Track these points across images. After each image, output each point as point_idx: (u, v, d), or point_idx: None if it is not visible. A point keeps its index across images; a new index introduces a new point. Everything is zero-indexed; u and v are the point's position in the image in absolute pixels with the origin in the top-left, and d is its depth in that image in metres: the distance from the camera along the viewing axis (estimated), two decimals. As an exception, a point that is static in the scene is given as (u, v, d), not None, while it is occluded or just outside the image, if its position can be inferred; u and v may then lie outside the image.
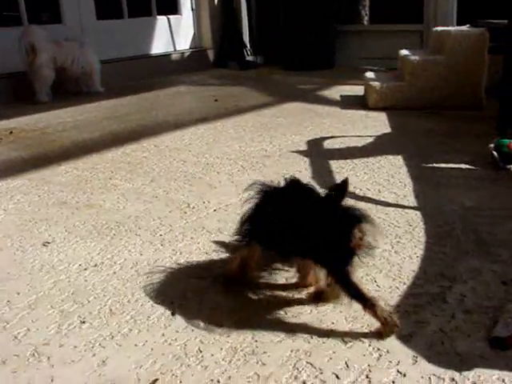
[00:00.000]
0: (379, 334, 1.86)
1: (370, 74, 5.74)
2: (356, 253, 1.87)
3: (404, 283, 2.17)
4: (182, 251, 2.47)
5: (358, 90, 6.14)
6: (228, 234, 2.61)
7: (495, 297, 2.07)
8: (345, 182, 1.95)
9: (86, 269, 2.34)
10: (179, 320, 1.96)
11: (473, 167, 3.53)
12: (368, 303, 1.85)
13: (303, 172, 3.48)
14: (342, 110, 5.31)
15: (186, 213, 2.88)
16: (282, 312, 2.00)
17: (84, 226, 2.77)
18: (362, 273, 2.23)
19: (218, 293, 2.13)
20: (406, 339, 1.83)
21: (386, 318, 1.84)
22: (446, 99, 5.07)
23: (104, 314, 2.02)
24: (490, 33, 4.88)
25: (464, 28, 5.19)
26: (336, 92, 6.24)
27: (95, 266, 2.37)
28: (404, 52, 5.53)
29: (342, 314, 1.98)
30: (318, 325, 1.93)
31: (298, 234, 1.91)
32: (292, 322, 1.95)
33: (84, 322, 1.97)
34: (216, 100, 5.88)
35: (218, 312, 2.00)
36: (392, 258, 2.36)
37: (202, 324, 1.94)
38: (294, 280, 2.21)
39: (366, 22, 9.23)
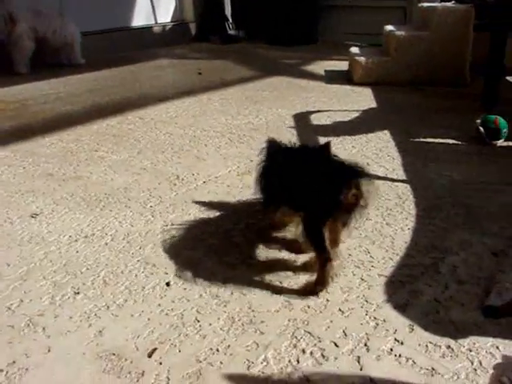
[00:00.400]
0: (309, 288, 1.93)
1: (354, 50, 5.72)
2: (343, 207, 1.91)
3: (397, 254, 2.18)
4: (174, 222, 2.45)
5: (342, 65, 6.11)
6: (219, 205, 2.59)
7: (487, 267, 2.09)
8: (327, 145, 2.15)
9: (76, 240, 2.32)
10: (175, 290, 1.95)
11: (459, 142, 3.55)
12: (325, 256, 1.91)
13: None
14: (327, 85, 5.29)
15: (175, 184, 2.86)
16: (277, 282, 2.00)
17: (72, 197, 2.73)
18: (355, 244, 2.24)
19: (213, 263, 2.12)
20: (401, 309, 1.85)
21: (326, 278, 1.92)
22: (431, 75, 5.08)
23: (98, 284, 2.00)
24: (476, 9, 4.87)
25: (449, 4, 5.18)
26: (320, 67, 6.21)
27: (86, 237, 2.34)
28: (389, 27, 5.52)
29: (337, 284, 1.98)
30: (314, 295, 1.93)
31: (293, 188, 2.02)
32: (288, 293, 1.94)
33: (78, 293, 1.95)
34: (200, 73, 5.82)
35: (213, 282, 1.99)
36: (384, 229, 2.37)
37: (197, 294, 1.92)
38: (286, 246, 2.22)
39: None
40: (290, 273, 2.06)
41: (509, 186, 2.83)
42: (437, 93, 4.90)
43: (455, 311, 1.83)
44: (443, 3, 5.27)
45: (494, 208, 2.57)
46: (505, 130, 3.51)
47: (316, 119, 4.08)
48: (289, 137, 3.61)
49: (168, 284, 1.98)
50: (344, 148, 3.41)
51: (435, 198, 2.69)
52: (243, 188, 2.79)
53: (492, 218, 2.48)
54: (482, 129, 3.51)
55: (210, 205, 2.61)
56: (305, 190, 1.95)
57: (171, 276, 2.04)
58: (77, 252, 2.22)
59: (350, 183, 1.87)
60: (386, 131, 3.74)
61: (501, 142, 3.52)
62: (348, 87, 5.17)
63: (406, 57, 5.07)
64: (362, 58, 5.18)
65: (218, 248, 2.23)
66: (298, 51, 7.29)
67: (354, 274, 2.04)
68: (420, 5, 5.53)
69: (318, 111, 4.31)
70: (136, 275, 2.04)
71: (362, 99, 4.71)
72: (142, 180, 2.92)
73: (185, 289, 1.96)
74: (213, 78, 5.58)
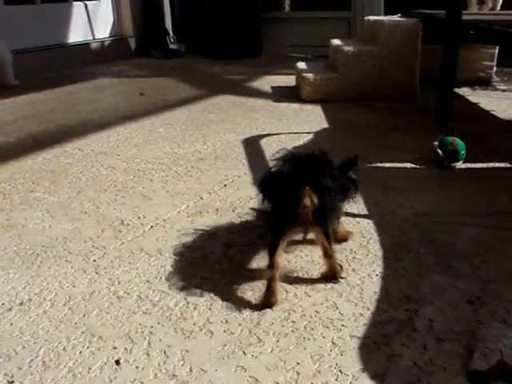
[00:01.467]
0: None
1: (301, 65, 5.58)
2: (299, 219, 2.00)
3: (367, 308, 2.00)
4: (120, 280, 2.20)
5: (289, 80, 5.97)
6: (170, 256, 2.36)
7: (464, 319, 1.94)
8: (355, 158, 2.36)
9: (10, 309, 2.04)
10: (126, 370, 1.72)
11: (418, 166, 3.43)
12: (270, 265, 2.03)
13: (243, 177, 3.26)
14: (275, 103, 5.12)
15: (120, 231, 2.61)
16: (240, 353, 1.79)
17: (5, 252, 2.45)
18: (321, 298, 2.05)
19: (168, 332, 1.89)
20: (380, 379, 1.67)
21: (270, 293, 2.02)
22: (381, 91, 4.99)
23: (37, 368, 1.74)
24: (423, 23, 4.80)
25: (396, 18, 5.09)
26: (266, 83, 6.04)
27: (21, 304, 2.07)
28: (336, 42, 5.40)
29: (306, 351, 1.78)
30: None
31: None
32: (254, 367, 1.73)
33: (12, 382, 1.68)
34: (142, 94, 5.55)
35: (169, 357, 1.76)
36: (350, 277, 2.20)
37: (152, 374, 1.69)
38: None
39: (287, 8, 9.02)
40: (253, 339, 1.85)
41: (473, 218, 2.71)
42: (387, 109, 4.80)
43: (438, 378, 1.66)
44: (390, 17, 5.18)
45: (463, 245, 2.43)
46: (463, 152, 3.41)
47: (266, 144, 3.89)
48: (239, 167, 3.41)
49: (118, 362, 1.74)
50: (299, 178, 3.22)
51: (400, 234, 2.54)
52: (195, 233, 2.56)
53: (463, 257, 2.34)
54: (440, 151, 3.40)
55: (159, 255, 2.37)
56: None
57: (121, 351, 1.80)
58: (11, 324, 1.96)
59: (301, 194, 1.92)
60: (339, 155, 3.56)
61: (459, 165, 3.42)
62: (296, 105, 5.02)
63: (355, 72, 4.96)
64: (310, 75, 5.03)
65: (173, 311, 1.99)
66: (241, 65, 7.12)
67: (323, 337, 1.85)
68: (366, 18, 5.43)
69: (268, 135, 4.13)
70: (80, 352, 1.79)
71: (313, 119, 4.56)
72: (84, 227, 2.65)
73: (137, 367, 1.72)
74: (155, 99, 5.33)
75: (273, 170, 2.16)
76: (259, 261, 2.31)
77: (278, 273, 2.03)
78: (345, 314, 1.97)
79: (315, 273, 2.24)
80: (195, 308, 2.02)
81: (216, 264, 2.30)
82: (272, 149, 3.75)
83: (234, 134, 4.16)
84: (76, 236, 2.58)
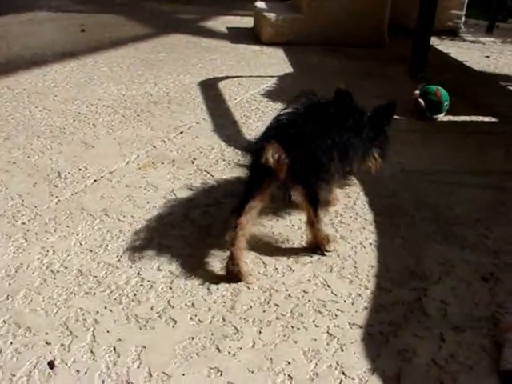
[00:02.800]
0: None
1: (260, 4, 5.07)
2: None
3: (365, 287, 1.63)
4: (56, 249, 1.75)
5: (246, 21, 5.47)
6: (117, 218, 1.91)
7: (481, 301, 1.61)
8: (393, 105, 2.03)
9: None
10: (62, 376, 1.28)
11: (398, 117, 3.04)
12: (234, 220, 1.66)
13: (202, 123, 2.81)
14: (233, 45, 4.63)
15: (56, 186, 2.13)
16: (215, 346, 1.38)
17: None
18: (308, 272, 1.67)
19: (118, 320, 1.46)
20: (394, 383, 1.29)
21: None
22: (348, 35, 4.58)
23: None
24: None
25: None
26: (221, 23, 5.52)
27: None
28: (300, -20, 4.89)
29: (297, 346, 1.40)
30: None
31: None
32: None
33: None
34: (83, 30, 4.93)
35: (121, 359, 1.34)
36: (340, 247, 1.82)
37: (98, 381, 1.27)
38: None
39: None
40: (228, 328, 1.45)
41: (468, 176, 2.38)
42: (356, 55, 4.40)
43: (464, 380, 1.31)
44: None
45: (462, 208, 2.10)
46: (446, 103, 3.06)
47: (226, 88, 3.43)
48: (197, 112, 2.94)
49: (51, 365, 1.30)
50: (265, 125, 2.79)
51: (390, 195, 2.17)
52: (147, 188, 2.12)
53: (464, 223, 2.00)
54: (422, 102, 3.02)
55: (105, 216, 1.92)
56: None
57: (56, 348, 1.36)
58: None
59: (264, 148, 1.59)
60: (311, 104, 3.15)
61: (441, 117, 3.06)
62: (256, 47, 4.54)
63: (321, 15, 4.52)
64: (272, 15, 4.55)
65: (124, 291, 1.56)
66: (194, 4, 6.52)
67: (316, 326, 1.47)
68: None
69: (227, 77, 3.66)
70: (1, 350, 1.34)
71: (275, 62, 4.11)
72: (11, 180, 2.17)
73: (77, 372, 1.29)
74: (99, 36, 4.72)
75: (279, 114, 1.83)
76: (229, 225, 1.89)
77: (244, 236, 1.64)
78: (339, 295, 1.60)
79: (297, 241, 1.84)
80: (151, 286, 1.60)
81: (175, 228, 1.88)
82: (233, 93, 3.31)
83: (189, 75, 3.67)
84: (1, 191, 2.09)
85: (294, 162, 1.62)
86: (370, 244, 1.85)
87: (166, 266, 1.68)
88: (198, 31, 5.11)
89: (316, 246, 1.76)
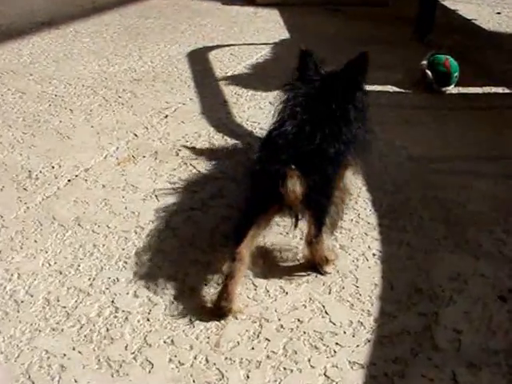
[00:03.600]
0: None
1: (255, -40, 4.71)
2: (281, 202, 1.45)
3: (368, 312, 1.44)
4: (22, 272, 1.57)
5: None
6: (91, 229, 1.71)
7: (499, 328, 1.41)
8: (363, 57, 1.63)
9: None
10: None
11: (403, 90, 2.81)
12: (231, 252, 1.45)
13: (189, 104, 2.59)
14: (225, 7, 4.34)
15: (26, 189, 1.93)
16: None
17: None
18: (302, 293, 1.48)
19: (88, 365, 1.28)
20: None
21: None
22: (349, -7, 4.25)
23: None
24: None
25: None
26: (213, -19, 5.17)
27: None
28: None
29: (294, 404, 1.22)
30: None
31: None
32: None
33: None
34: (64, -7, 4.60)
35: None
36: (340, 260, 1.61)
37: None
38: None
39: None
40: (212, 373, 1.27)
41: (481, 164, 2.17)
42: (356, 15, 4.12)
43: None
44: None
45: (476, 205, 1.90)
46: (456, 74, 2.81)
47: (216, 59, 3.19)
48: (184, 91, 2.71)
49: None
50: (258, 106, 2.58)
51: (396, 190, 1.97)
52: (126, 189, 1.91)
53: (479, 224, 1.81)
54: (429, 73, 2.78)
55: (77, 229, 1.73)
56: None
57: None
58: None
59: (286, 173, 1.37)
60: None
61: (451, 89, 2.82)
62: (250, 9, 4.25)
63: (319, -30, 4.18)
64: (267, -26, 4.22)
65: (96, 326, 1.37)
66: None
67: (312, 366, 1.29)
68: None
69: (218, 47, 3.39)
70: None
71: (270, 27, 3.83)
72: (-25, 182, 1.96)
73: None
74: (82, 0, 4.40)
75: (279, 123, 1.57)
76: (218, 236, 1.69)
77: (242, 269, 1.43)
78: (338, 324, 1.41)
79: (291, 252, 1.65)
80: (127, 318, 1.41)
81: (155, 240, 1.68)
82: (224, 65, 3.06)
83: (177, 45, 3.41)
84: (-37, 196, 1.89)
85: (310, 189, 1.40)
86: (374, 255, 1.65)
87: (143, 292, 1.49)
88: (188, -8, 4.78)
89: (313, 265, 1.56)
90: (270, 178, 1.40)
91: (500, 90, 2.88)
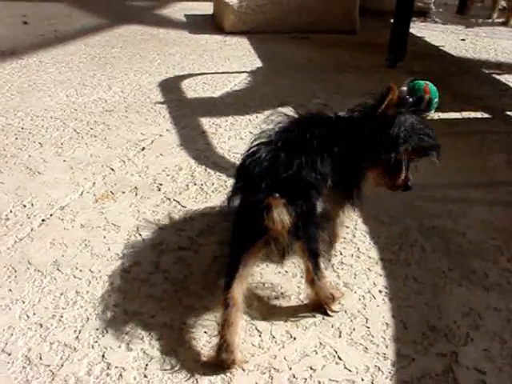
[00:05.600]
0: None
1: (221, -11, 4.67)
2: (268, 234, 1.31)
3: (384, 356, 1.33)
4: (-4, 324, 1.39)
5: (204, 7, 5.08)
6: (72, 274, 1.56)
7: (526, 369, 1.30)
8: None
9: None
10: None
11: (384, 118, 2.73)
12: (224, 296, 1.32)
13: (166, 136, 2.46)
14: (193, 35, 4.25)
15: (-4, 231, 1.76)
16: None
17: None
18: (311, 337, 1.36)
19: None
20: None
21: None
22: (317, 21, 4.25)
23: None
24: None
25: None
26: (179, 10, 5.13)
27: None
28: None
29: None
30: None
31: None
32: None
33: None
34: (25, 22, 4.47)
35: None
36: (347, 300, 1.50)
37: None
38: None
39: None
40: None
41: (473, 191, 2.12)
42: (326, 43, 4.09)
43: None
44: None
45: (475, 234, 1.83)
46: (436, 100, 2.74)
47: (189, 88, 3.08)
48: (159, 122, 2.59)
49: None
50: (239, 136, 2.47)
51: (393, 221, 1.88)
52: (107, 228, 1.77)
53: (482, 254, 1.74)
54: (410, 99, 2.70)
55: (56, 274, 1.57)
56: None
57: None
58: None
59: (271, 204, 1.25)
60: (289, 105, 2.82)
61: (431, 114, 2.75)
62: (219, 38, 4.18)
63: (287, 0, 4.15)
64: (234, 2, 4.19)
65: (83, 387, 1.22)
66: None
67: (333, 424, 1.15)
68: None
69: (190, 75, 3.29)
70: None
71: (241, 55, 3.75)
72: None
73: None
74: (44, 29, 4.27)
75: (253, 150, 1.42)
76: (213, 277, 1.57)
77: (238, 315, 1.31)
78: (354, 370, 1.29)
79: (293, 293, 1.53)
80: (121, 375, 1.26)
81: (145, 285, 1.54)
82: (198, 94, 2.95)
83: (147, 74, 3.29)
84: None
85: (297, 217, 1.29)
86: (380, 292, 1.55)
87: (137, 344, 1.34)
88: (154, 21, 4.70)
89: (319, 305, 1.45)
90: (251, 210, 1.28)
91: (479, 114, 2.85)
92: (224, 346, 1.27)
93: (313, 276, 1.40)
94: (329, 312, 1.45)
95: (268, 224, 1.25)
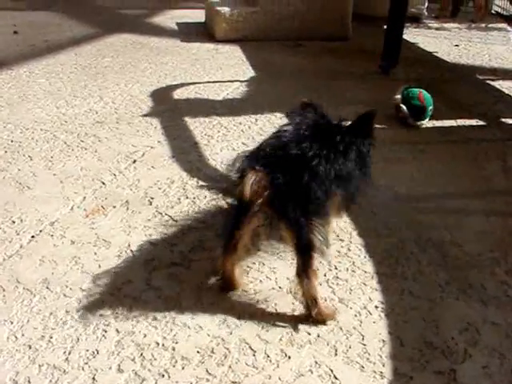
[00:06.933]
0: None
1: (212, -4, 4.66)
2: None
3: (381, 374, 1.31)
4: (-17, 347, 1.35)
5: (196, 15, 5.06)
6: (62, 292, 1.53)
7: (523, 384, 1.28)
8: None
9: None
10: None
11: (378, 125, 2.69)
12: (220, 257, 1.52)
13: (157, 148, 2.44)
14: (184, 44, 4.23)
15: (-16, 248, 1.73)
16: None
17: None
18: (308, 359, 1.32)
19: None
20: None
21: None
22: (309, 29, 4.23)
23: None
24: None
25: None
26: (170, 18, 5.10)
27: None
28: (255, -32, 4.51)
29: None
30: None
31: None
32: None
33: None
34: (15, 32, 4.43)
35: None
36: (342, 316, 1.47)
37: None
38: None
39: None
40: None
41: (469, 201, 2.11)
42: (319, 50, 4.08)
43: None
44: None
45: (472, 245, 1.82)
46: (430, 108, 2.76)
47: (181, 98, 3.06)
48: (151, 133, 2.56)
49: None
50: (231, 147, 2.45)
51: (388, 233, 1.86)
52: (98, 244, 1.73)
53: (479, 265, 1.72)
54: (404, 107, 2.71)
55: (46, 293, 1.54)
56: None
57: None
58: None
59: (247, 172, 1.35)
60: (278, 113, 2.81)
61: (426, 122, 2.76)
62: (211, 46, 4.16)
63: (279, 7, 4.19)
64: (226, 10, 4.17)
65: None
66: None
67: None
68: None
69: (182, 85, 3.27)
70: None
71: (233, 63, 3.73)
72: None
73: None
74: (35, 39, 4.23)
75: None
76: (206, 294, 1.54)
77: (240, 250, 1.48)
78: (350, 393, 1.25)
79: (288, 310, 1.50)
80: (111, 402, 1.22)
81: (137, 303, 1.51)
82: (190, 104, 2.92)
83: (138, 84, 3.26)
84: None
85: (277, 192, 1.35)
86: (376, 307, 1.52)
87: (128, 365, 1.31)
88: (146, 29, 4.68)
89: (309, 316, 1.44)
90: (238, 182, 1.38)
91: (474, 122, 2.84)
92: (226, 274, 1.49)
93: (300, 272, 1.39)
94: (324, 321, 1.42)
95: (239, 190, 1.34)
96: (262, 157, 1.42)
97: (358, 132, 1.59)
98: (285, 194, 1.36)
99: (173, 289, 1.57)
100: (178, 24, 4.85)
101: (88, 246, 1.76)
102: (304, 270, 1.40)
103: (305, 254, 1.40)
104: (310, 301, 1.42)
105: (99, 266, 1.66)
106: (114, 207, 1.97)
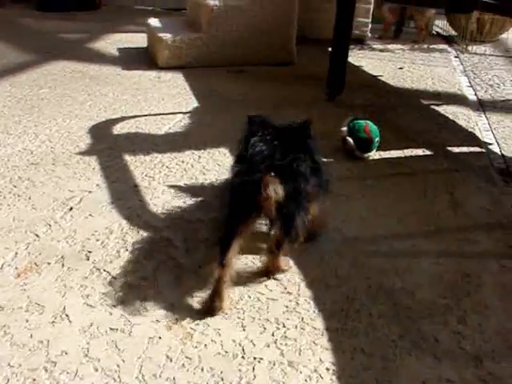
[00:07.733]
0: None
1: (154, 22, 4.56)
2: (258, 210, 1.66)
3: None
4: None
5: (138, 40, 4.96)
6: (-9, 371, 1.40)
7: None
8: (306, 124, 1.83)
9: None
10: None
11: (324, 159, 2.66)
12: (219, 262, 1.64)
13: (96, 192, 2.32)
14: (125, 72, 4.11)
15: None
16: None
17: None
18: None
19: None
20: None
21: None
22: (253, 54, 4.19)
23: None
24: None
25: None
26: (111, 43, 4.97)
27: None
28: (197, -6, 4.44)
29: None
30: None
31: None
32: None
33: None
34: None
35: None
36: (292, 382, 1.39)
37: None
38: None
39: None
40: None
41: (420, 241, 2.07)
42: (262, 76, 4.04)
43: None
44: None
45: (424, 292, 1.80)
46: (377, 139, 2.73)
47: (121, 134, 2.94)
48: (89, 175, 2.44)
49: None
50: (173, 189, 2.34)
51: (338, 282, 1.80)
52: (30, 310, 1.62)
53: (432, 315, 1.69)
54: (351, 140, 2.67)
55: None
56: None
57: None
58: None
59: (264, 181, 1.55)
60: (223, 148, 2.73)
61: (372, 154, 2.73)
62: (153, 74, 4.05)
63: (223, 33, 4.12)
64: (168, 36, 4.08)
65: None
66: (78, 20, 5.91)
67: None
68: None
69: (123, 119, 3.15)
70: None
71: (176, 93, 3.64)
72: None
73: None
74: (-36, 68, 4.04)
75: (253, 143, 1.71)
76: (149, 365, 1.43)
77: (229, 275, 1.62)
78: None
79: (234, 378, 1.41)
80: None
81: (72, 380, 1.39)
82: (130, 141, 2.81)
83: (77, 118, 3.13)
84: None
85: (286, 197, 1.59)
86: (327, 369, 1.45)
87: None
88: (85, 56, 4.53)
89: (270, 271, 1.78)
90: (250, 187, 1.55)
91: (420, 151, 2.83)
92: (217, 295, 1.60)
93: (274, 249, 1.71)
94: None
95: (264, 197, 1.52)
96: (261, 164, 1.62)
97: (307, 134, 1.82)
98: (289, 197, 1.59)
99: (112, 360, 1.46)
100: (119, 50, 4.73)
101: (19, 312, 1.63)
102: (277, 248, 1.71)
103: (284, 239, 1.69)
104: (277, 270, 1.77)
105: (31, 336, 1.54)
106: (49, 264, 1.84)
